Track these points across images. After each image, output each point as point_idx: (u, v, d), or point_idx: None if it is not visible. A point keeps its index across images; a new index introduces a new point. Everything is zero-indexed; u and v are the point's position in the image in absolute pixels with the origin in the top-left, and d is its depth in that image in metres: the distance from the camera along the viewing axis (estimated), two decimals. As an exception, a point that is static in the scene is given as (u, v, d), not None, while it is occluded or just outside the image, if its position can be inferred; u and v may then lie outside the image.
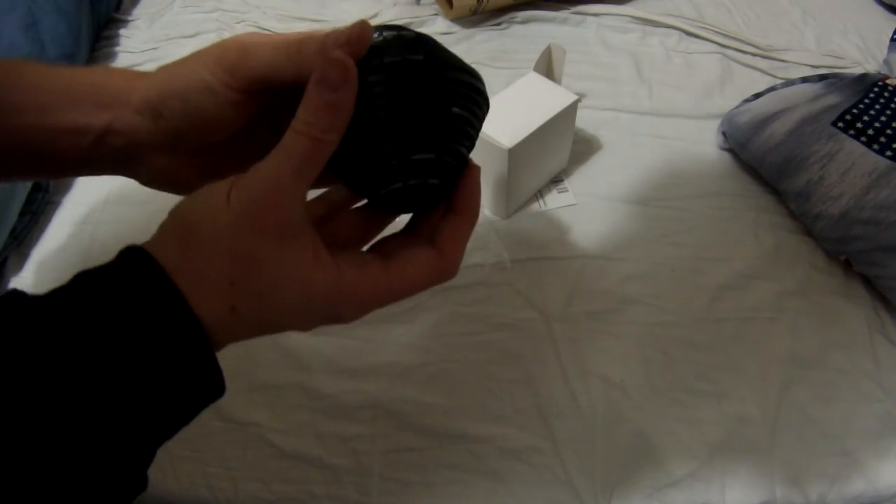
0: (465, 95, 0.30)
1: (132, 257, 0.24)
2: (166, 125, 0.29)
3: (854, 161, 0.55)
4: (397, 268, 0.28)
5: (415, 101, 0.28)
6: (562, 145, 0.62)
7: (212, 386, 0.25)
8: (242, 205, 0.24)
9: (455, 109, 0.29)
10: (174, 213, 0.26)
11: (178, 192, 0.32)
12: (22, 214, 0.60)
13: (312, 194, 0.31)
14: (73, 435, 0.21)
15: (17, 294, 0.23)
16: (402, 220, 0.34)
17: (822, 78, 0.65)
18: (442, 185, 0.30)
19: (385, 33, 0.28)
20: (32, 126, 0.29)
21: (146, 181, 0.32)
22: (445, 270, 0.29)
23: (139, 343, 0.23)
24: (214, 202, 0.25)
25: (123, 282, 0.23)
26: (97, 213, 0.63)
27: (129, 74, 0.30)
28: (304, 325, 0.27)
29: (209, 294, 0.24)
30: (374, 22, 0.83)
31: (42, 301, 0.23)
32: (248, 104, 0.29)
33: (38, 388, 0.21)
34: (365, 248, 0.32)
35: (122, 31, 0.86)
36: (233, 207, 0.24)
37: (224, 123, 0.29)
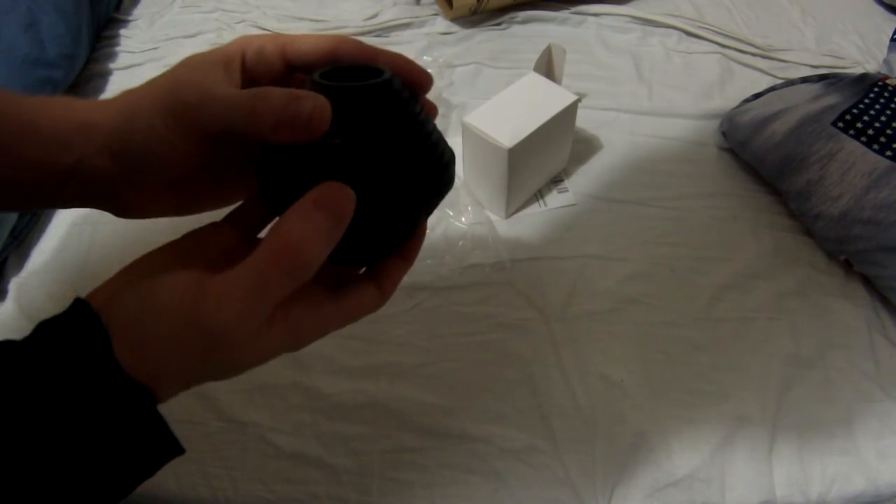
0: (435, 192, 0.29)
1: (85, 322, 0.24)
2: (126, 166, 0.28)
3: (854, 161, 0.55)
4: (346, 306, 0.29)
5: (387, 212, 0.27)
6: (562, 145, 0.62)
7: (166, 446, 0.25)
8: (194, 340, 0.24)
9: (423, 211, 0.29)
10: (127, 298, 0.25)
11: (158, 217, 0.32)
12: (22, 214, 0.60)
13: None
14: (24, 491, 0.21)
15: None
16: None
17: (821, 78, 0.65)
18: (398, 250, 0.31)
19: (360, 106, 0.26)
20: None
21: (119, 214, 0.32)
22: (380, 305, 0.31)
23: (86, 413, 0.23)
24: (171, 306, 0.24)
25: (78, 352, 0.23)
26: (97, 213, 0.62)
27: (90, 108, 0.29)
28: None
29: (165, 381, 0.25)
30: (373, 21, 0.83)
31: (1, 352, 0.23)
32: (206, 152, 0.28)
33: None
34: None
35: (122, 31, 0.86)
36: (183, 340, 0.24)
37: (185, 166, 0.28)
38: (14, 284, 0.58)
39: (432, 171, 0.28)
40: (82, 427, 0.23)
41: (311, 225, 0.24)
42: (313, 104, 0.25)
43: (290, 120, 0.25)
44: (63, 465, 0.22)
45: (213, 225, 0.32)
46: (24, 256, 0.60)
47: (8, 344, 0.23)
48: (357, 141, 0.26)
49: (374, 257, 0.30)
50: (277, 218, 0.25)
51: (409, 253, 0.31)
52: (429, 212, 0.30)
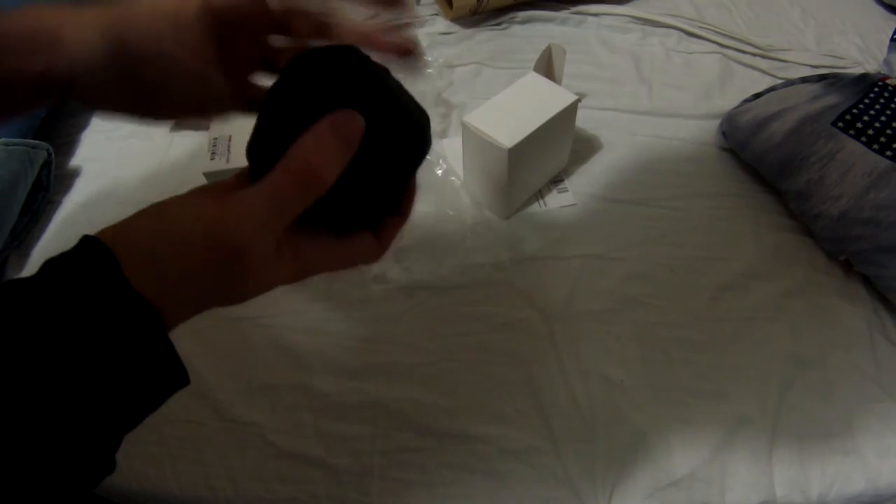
0: (418, 155, 0.32)
1: (94, 251, 0.24)
2: (123, 67, 0.30)
3: (854, 161, 0.55)
4: (347, 245, 0.31)
5: (381, 180, 0.31)
6: (562, 145, 0.62)
7: (173, 374, 0.26)
8: (210, 253, 0.25)
9: (412, 173, 0.32)
10: (142, 224, 0.26)
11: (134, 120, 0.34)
12: (22, 214, 0.60)
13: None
14: (33, 418, 0.22)
15: None
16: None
17: (821, 78, 0.65)
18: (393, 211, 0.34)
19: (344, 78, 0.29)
20: None
21: (94, 111, 0.34)
22: (378, 256, 0.32)
23: (99, 338, 0.23)
24: (187, 226, 0.25)
25: (87, 278, 0.24)
26: (97, 213, 0.63)
27: (65, 12, 0.30)
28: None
29: (171, 306, 0.25)
30: (374, 22, 0.83)
31: (8, 290, 0.23)
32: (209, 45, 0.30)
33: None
34: None
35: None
36: (200, 252, 0.25)
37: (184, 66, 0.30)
38: (14, 284, 0.58)
39: (410, 127, 0.31)
40: (90, 348, 0.23)
41: (325, 146, 0.27)
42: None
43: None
44: (70, 390, 0.22)
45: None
46: (24, 256, 0.60)
47: (17, 280, 0.24)
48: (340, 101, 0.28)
49: (365, 217, 0.32)
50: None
51: (403, 209, 0.34)
52: (412, 170, 0.33)
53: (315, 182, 0.27)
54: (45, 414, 0.22)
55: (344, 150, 0.27)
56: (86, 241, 0.25)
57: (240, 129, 0.58)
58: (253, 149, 0.30)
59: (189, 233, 0.25)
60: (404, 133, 0.30)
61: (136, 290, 0.24)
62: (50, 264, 0.24)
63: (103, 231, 0.26)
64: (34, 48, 0.29)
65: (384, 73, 0.31)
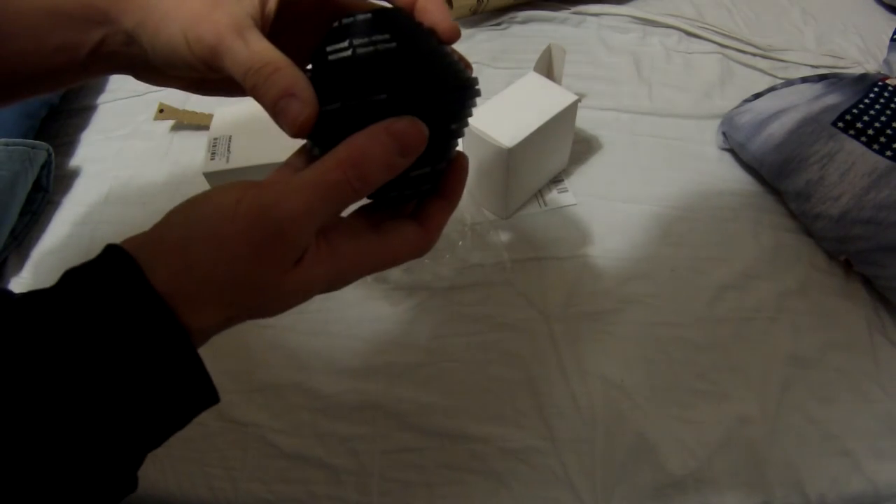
0: (460, 108, 0.30)
1: (117, 260, 0.23)
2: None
3: (854, 161, 0.55)
4: (387, 239, 0.29)
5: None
6: (562, 145, 0.62)
7: (202, 393, 0.25)
8: (251, 229, 0.24)
9: (452, 126, 0.29)
10: (173, 218, 0.26)
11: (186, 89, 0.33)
12: (22, 214, 0.60)
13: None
14: (57, 436, 0.21)
15: (3, 294, 0.23)
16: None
17: (822, 78, 0.65)
18: (433, 186, 0.31)
19: (389, 31, 0.27)
20: (21, 51, 0.29)
21: (148, 81, 0.33)
22: (425, 247, 0.30)
23: (122, 352, 0.22)
24: (217, 221, 0.24)
25: (110, 289, 0.23)
26: (97, 213, 0.63)
27: None
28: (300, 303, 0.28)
29: (203, 307, 0.24)
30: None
31: (29, 303, 0.22)
32: None
33: (23, 391, 0.21)
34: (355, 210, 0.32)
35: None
36: (240, 228, 0.24)
37: None
38: (14, 284, 0.58)
39: (456, 86, 0.29)
40: (113, 363, 0.22)
41: (379, 147, 0.26)
42: (298, 109, 0.25)
43: (280, 111, 0.26)
44: (92, 406, 0.22)
45: None
46: (24, 256, 0.60)
47: (37, 292, 0.23)
48: (385, 55, 0.27)
49: (412, 187, 0.30)
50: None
51: (451, 194, 0.31)
52: (459, 132, 0.30)
53: (360, 176, 0.25)
54: (65, 430, 0.21)
55: (398, 155, 0.26)
56: (109, 249, 0.24)
57: (240, 129, 0.58)
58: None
59: (226, 214, 0.24)
60: (446, 94, 0.28)
61: (164, 299, 0.23)
62: (71, 274, 0.23)
63: (129, 239, 0.25)
64: (89, 21, 0.29)
65: (430, 35, 0.29)
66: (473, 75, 0.31)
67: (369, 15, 0.28)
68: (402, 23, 0.28)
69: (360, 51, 0.27)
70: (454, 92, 0.29)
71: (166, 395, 0.24)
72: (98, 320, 0.22)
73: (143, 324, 0.23)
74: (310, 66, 0.29)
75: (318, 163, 0.26)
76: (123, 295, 0.23)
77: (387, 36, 0.27)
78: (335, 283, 0.28)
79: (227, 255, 0.24)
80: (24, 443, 0.20)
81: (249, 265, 0.25)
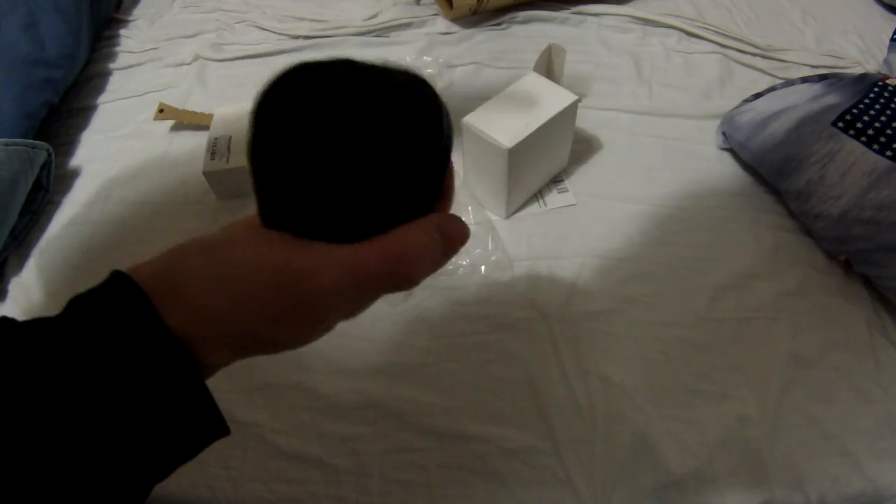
0: (444, 160, 0.28)
1: (127, 292, 0.23)
2: None
3: (854, 161, 0.55)
4: (396, 236, 0.26)
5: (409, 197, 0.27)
6: (562, 145, 0.62)
7: (210, 424, 0.24)
8: (278, 296, 0.23)
9: (440, 179, 0.28)
10: (192, 260, 0.24)
11: None
12: (22, 214, 0.60)
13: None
14: (59, 469, 0.21)
15: (7, 322, 0.22)
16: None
17: (822, 78, 0.65)
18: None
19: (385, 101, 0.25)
20: None
21: None
22: (445, 229, 0.27)
23: (133, 386, 0.22)
24: (242, 276, 0.23)
25: (120, 324, 0.22)
26: (97, 213, 0.63)
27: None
28: None
29: (217, 350, 0.24)
30: (373, 22, 0.83)
31: (35, 333, 0.22)
32: None
33: (29, 423, 0.20)
34: None
35: (123, 32, 0.86)
36: (267, 292, 0.23)
37: None
38: (14, 284, 0.58)
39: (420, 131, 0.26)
40: (119, 394, 0.21)
41: (428, 244, 0.25)
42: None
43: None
44: (97, 438, 0.21)
45: None
46: (24, 256, 0.60)
47: (42, 319, 0.22)
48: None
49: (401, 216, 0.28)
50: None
51: (443, 200, 0.30)
52: (431, 172, 0.28)
53: (404, 277, 0.25)
54: (72, 459, 0.21)
55: (443, 254, 0.26)
56: (116, 278, 0.23)
57: (240, 129, 0.58)
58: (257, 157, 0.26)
59: (252, 271, 0.23)
60: (414, 138, 0.26)
61: (177, 337, 0.22)
62: (77, 302, 0.23)
63: (136, 269, 0.24)
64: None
65: (387, 74, 0.27)
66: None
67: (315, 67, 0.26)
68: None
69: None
70: (440, 141, 0.27)
71: (175, 430, 0.23)
72: (108, 355, 0.22)
73: (154, 358, 0.22)
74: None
75: (362, 246, 0.24)
76: (136, 332, 0.22)
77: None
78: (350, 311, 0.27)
79: (250, 315, 0.23)
80: (31, 474, 0.20)
81: (272, 327, 0.24)
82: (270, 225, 0.26)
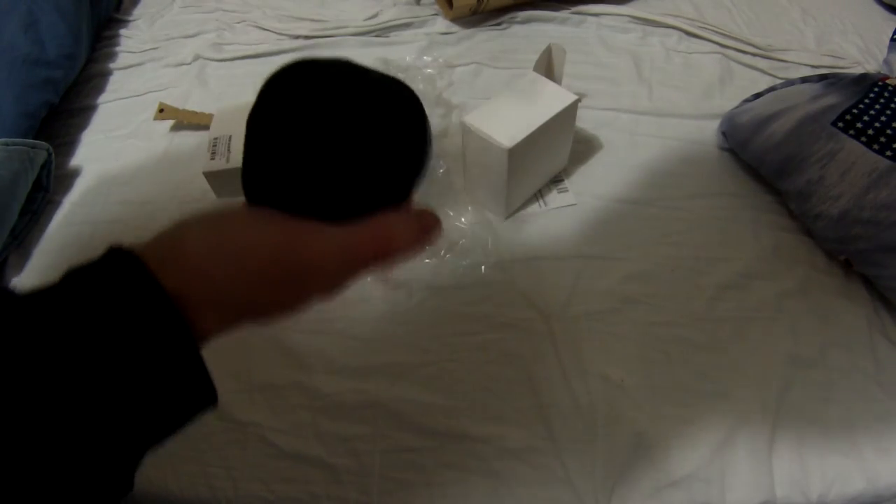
0: (424, 151, 0.31)
1: (123, 259, 0.23)
2: None
3: (854, 161, 0.55)
4: (384, 219, 0.29)
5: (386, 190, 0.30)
6: (562, 145, 0.62)
7: (202, 395, 0.25)
8: (275, 262, 0.25)
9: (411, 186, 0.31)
10: (189, 232, 0.25)
11: None
12: (22, 214, 0.60)
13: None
14: (53, 435, 0.21)
15: (5, 292, 0.23)
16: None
17: (822, 78, 0.65)
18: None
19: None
20: None
21: None
22: (422, 217, 0.30)
23: (125, 351, 0.22)
24: (240, 243, 0.25)
25: (116, 284, 0.23)
26: (97, 213, 0.63)
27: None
28: None
29: (211, 314, 0.24)
30: (373, 21, 0.83)
31: (30, 301, 0.22)
32: None
33: (22, 389, 0.20)
34: None
35: (123, 31, 0.86)
36: (263, 261, 0.25)
37: None
38: (14, 284, 0.58)
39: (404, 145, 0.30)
40: (112, 357, 0.22)
41: (408, 228, 0.27)
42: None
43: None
44: (89, 403, 0.21)
45: None
46: (24, 256, 0.60)
47: (40, 290, 0.23)
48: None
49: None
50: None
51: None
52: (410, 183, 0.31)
53: (387, 259, 0.27)
54: (61, 427, 0.21)
55: (419, 240, 0.28)
56: (113, 249, 0.24)
57: (240, 129, 0.58)
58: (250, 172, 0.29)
59: (249, 241, 0.25)
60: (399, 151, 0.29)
61: (172, 299, 0.23)
62: (72, 269, 0.23)
63: (132, 244, 0.24)
64: None
65: (375, 86, 0.30)
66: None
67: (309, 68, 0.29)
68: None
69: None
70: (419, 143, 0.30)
71: (167, 392, 0.23)
72: (103, 315, 0.22)
73: (149, 319, 0.22)
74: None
75: (349, 226, 0.26)
76: (130, 290, 0.22)
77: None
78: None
79: (247, 281, 0.24)
80: (22, 439, 0.20)
81: (267, 294, 0.25)
82: (257, 201, 0.28)
